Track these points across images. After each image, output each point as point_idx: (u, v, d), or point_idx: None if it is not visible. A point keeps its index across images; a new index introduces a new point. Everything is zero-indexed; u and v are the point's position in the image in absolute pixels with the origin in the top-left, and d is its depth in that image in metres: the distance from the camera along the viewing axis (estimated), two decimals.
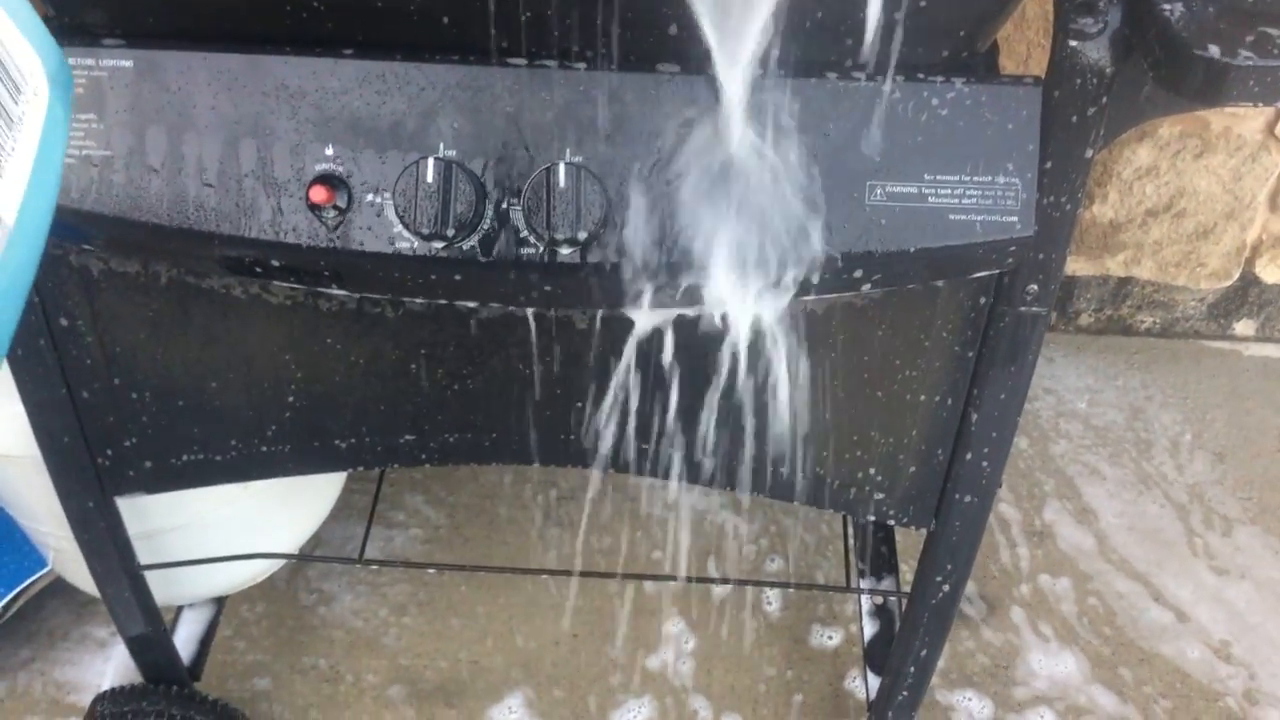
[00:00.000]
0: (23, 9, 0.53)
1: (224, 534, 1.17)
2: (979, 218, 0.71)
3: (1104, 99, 0.69)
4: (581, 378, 0.88)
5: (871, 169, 0.71)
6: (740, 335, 0.81)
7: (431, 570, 1.39)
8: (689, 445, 0.91)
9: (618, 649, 1.33)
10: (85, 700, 1.23)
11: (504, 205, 0.71)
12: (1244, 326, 1.71)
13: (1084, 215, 1.56)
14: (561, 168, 0.70)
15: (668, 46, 0.69)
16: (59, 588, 1.32)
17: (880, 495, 0.94)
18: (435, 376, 0.90)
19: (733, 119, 0.69)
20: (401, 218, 0.71)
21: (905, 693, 1.09)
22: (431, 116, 0.71)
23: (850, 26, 0.67)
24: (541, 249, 0.72)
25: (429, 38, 0.71)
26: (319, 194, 0.71)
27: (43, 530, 1.17)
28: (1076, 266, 1.63)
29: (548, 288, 0.74)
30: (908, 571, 1.32)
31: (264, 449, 0.95)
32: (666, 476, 0.93)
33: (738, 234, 0.71)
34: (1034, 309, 0.79)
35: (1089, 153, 0.71)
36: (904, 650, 1.05)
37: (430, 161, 0.70)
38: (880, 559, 1.30)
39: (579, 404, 0.90)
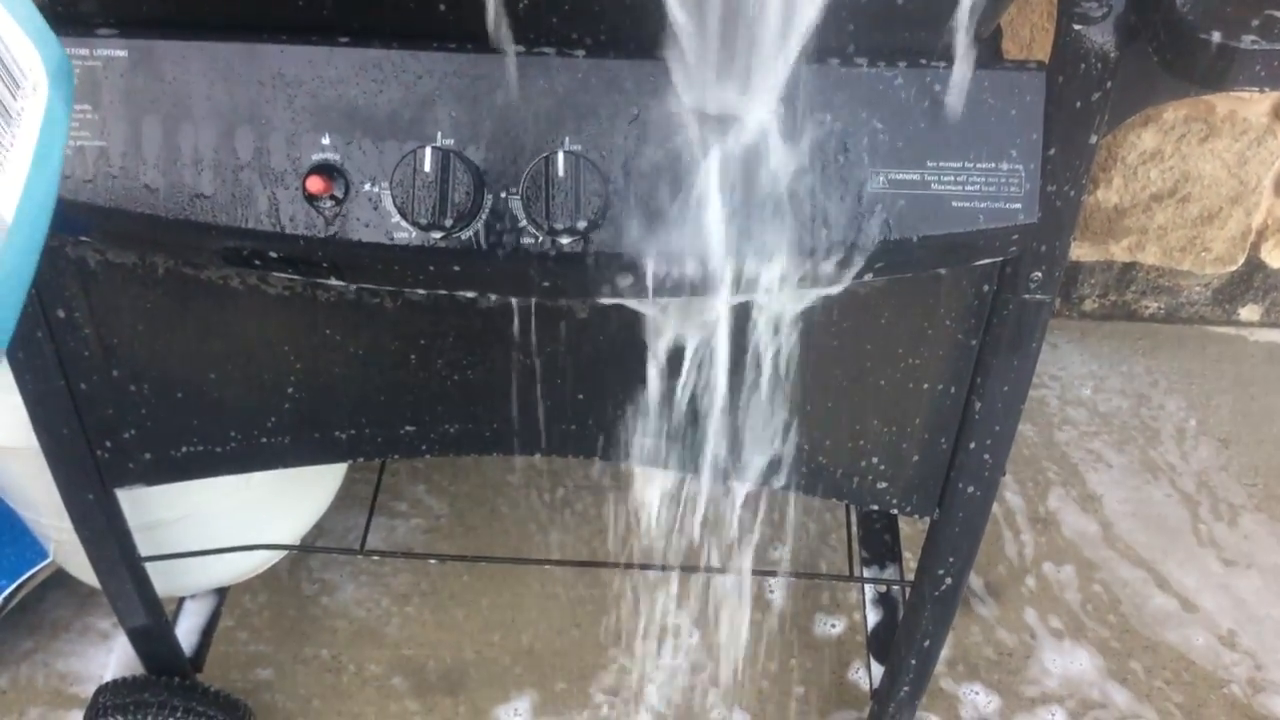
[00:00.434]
0: (22, 3, 0.52)
1: (225, 525, 1.17)
2: (982, 205, 0.71)
3: (1108, 84, 0.68)
4: (582, 367, 0.88)
5: (873, 156, 0.70)
6: (742, 325, 0.80)
7: (433, 561, 1.39)
8: (689, 435, 0.90)
9: (621, 639, 1.32)
10: (88, 691, 1.23)
11: (502, 195, 0.71)
12: (1249, 312, 1.70)
13: (1088, 200, 1.56)
14: (560, 156, 0.69)
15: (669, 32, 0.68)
16: (61, 579, 1.32)
17: (883, 484, 0.94)
18: (435, 367, 0.89)
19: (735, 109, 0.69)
20: (399, 208, 0.70)
21: (908, 682, 1.09)
22: (429, 105, 0.70)
23: (851, 12, 0.66)
24: (541, 239, 0.71)
25: (426, 25, 0.70)
26: (316, 184, 0.70)
27: (43, 522, 1.17)
28: (1080, 252, 1.62)
29: (548, 278, 0.74)
30: (911, 559, 1.31)
31: (264, 440, 0.94)
32: (667, 466, 0.93)
33: (740, 223, 0.70)
34: (1038, 296, 0.78)
35: (1093, 138, 0.70)
36: (907, 640, 1.05)
37: (428, 151, 0.69)
38: (883, 547, 1.29)
39: (580, 394, 0.89)
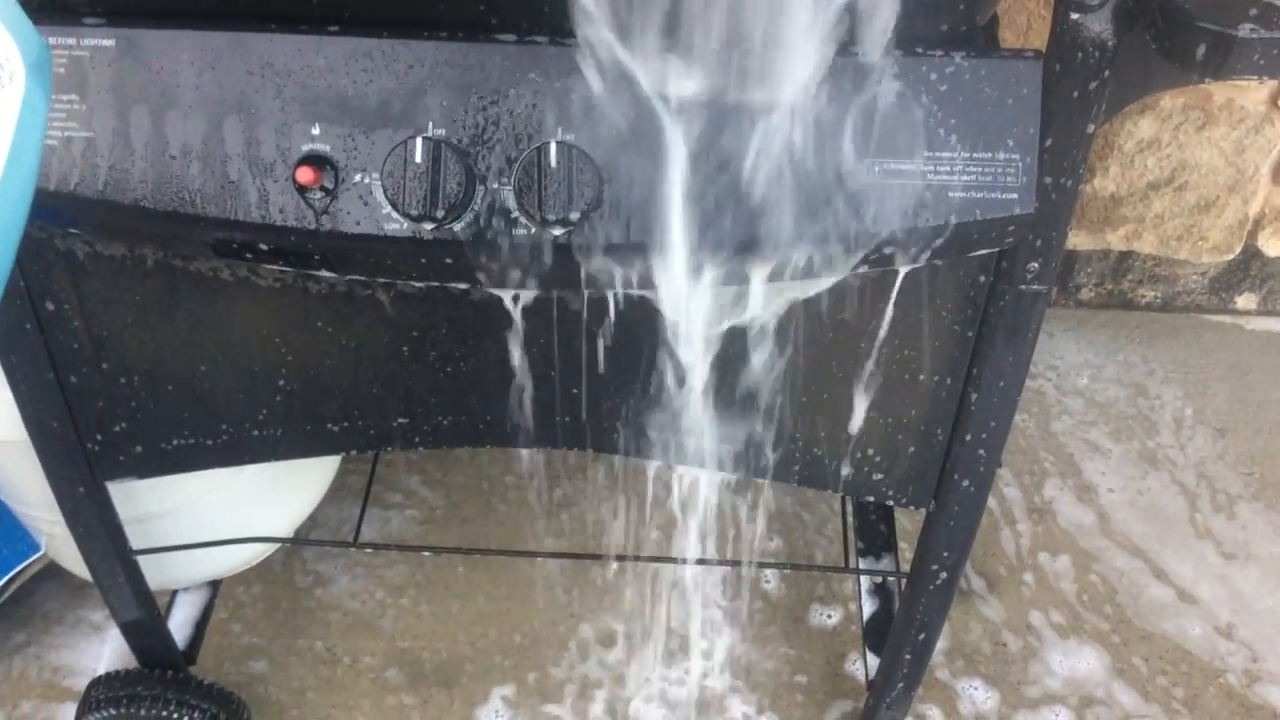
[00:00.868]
0: None
1: (218, 517, 1.16)
2: (978, 196, 0.70)
3: (1106, 73, 0.68)
4: (576, 359, 0.87)
5: (869, 146, 0.70)
6: (737, 316, 0.80)
7: (427, 553, 1.38)
8: (685, 427, 0.90)
9: (617, 630, 1.32)
10: (80, 684, 1.22)
11: (494, 185, 0.70)
12: (1246, 300, 1.70)
13: (1085, 189, 1.55)
14: (553, 146, 0.68)
15: None
16: (53, 572, 1.31)
17: (879, 476, 0.93)
18: (427, 359, 0.89)
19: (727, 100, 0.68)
20: (390, 199, 0.69)
21: (904, 674, 1.08)
22: (419, 95, 0.70)
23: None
24: (533, 229, 0.70)
25: (416, 13, 0.69)
26: (305, 175, 0.69)
27: (35, 515, 1.17)
28: (1077, 241, 1.62)
29: (540, 269, 0.73)
30: (907, 549, 1.31)
31: (255, 433, 0.94)
32: (663, 458, 0.92)
33: (734, 214, 0.70)
34: (1034, 287, 0.78)
35: (1091, 128, 0.70)
36: (903, 631, 1.05)
37: (419, 141, 0.68)
38: (879, 538, 1.29)
39: (573, 386, 0.89)
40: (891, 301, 0.82)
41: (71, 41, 0.70)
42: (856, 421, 0.90)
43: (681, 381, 0.86)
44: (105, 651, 1.30)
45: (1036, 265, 0.76)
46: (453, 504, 1.44)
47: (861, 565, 1.28)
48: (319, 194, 0.70)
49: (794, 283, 0.79)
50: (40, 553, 1.25)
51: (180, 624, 1.23)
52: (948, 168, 0.70)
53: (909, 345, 0.85)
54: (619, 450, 0.93)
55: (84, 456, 0.94)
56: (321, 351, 0.88)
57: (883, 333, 0.84)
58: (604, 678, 1.28)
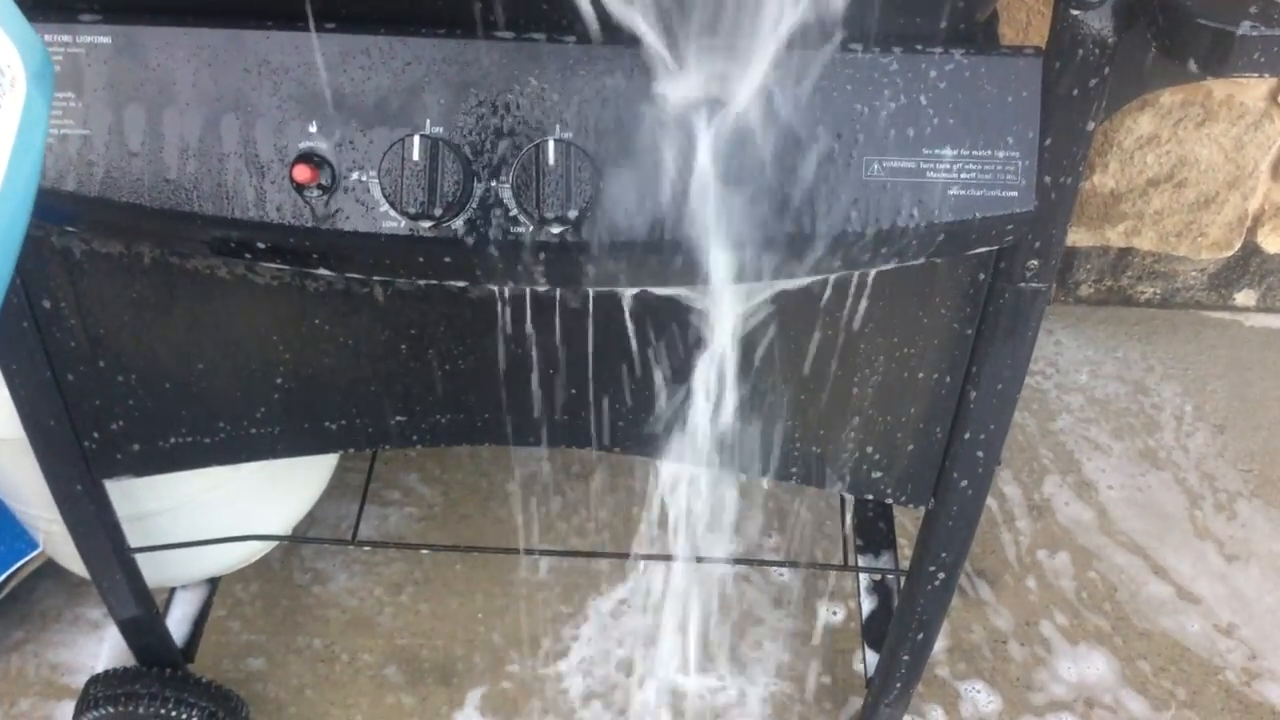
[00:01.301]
0: None
1: (216, 515, 1.16)
2: (978, 193, 0.70)
3: (1106, 70, 0.67)
4: (574, 357, 0.87)
5: (868, 143, 0.69)
6: (736, 314, 0.80)
7: (426, 551, 1.38)
8: (683, 426, 0.90)
9: (617, 629, 1.32)
10: (79, 682, 1.22)
11: (492, 183, 0.70)
12: (1245, 297, 1.70)
13: (1084, 185, 1.55)
14: (551, 144, 0.68)
15: None
16: (51, 569, 1.31)
17: (878, 474, 0.93)
18: (425, 357, 0.88)
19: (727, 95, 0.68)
20: (387, 197, 0.69)
21: (903, 671, 1.08)
22: (416, 92, 0.69)
23: None
24: (531, 228, 0.70)
25: (413, 11, 0.69)
26: (302, 173, 0.69)
27: (32, 513, 1.16)
28: (1076, 237, 1.62)
29: (538, 267, 0.73)
30: (906, 547, 1.31)
31: (253, 431, 0.93)
32: (662, 457, 0.92)
33: (732, 211, 0.69)
34: (1034, 285, 0.78)
35: (1090, 125, 0.70)
36: (902, 629, 1.05)
37: (416, 139, 0.68)
38: (878, 535, 1.29)
39: (572, 384, 0.89)
40: (890, 299, 0.82)
41: (67, 38, 0.70)
42: (855, 420, 0.90)
43: (681, 380, 0.86)
44: (103, 649, 1.29)
45: (1036, 263, 0.76)
46: (451, 502, 1.44)
47: (860, 563, 1.28)
48: (316, 192, 0.70)
49: (791, 281, 0.79)
50: (38, 550, 1.25)
51: (178, 622, 1.23)
52: (947, 165, 0.70)
53: (908, 343, 0.84)
54: (618, 448, 0.93)
55: (81, 454, 0.94)
56: (319, 349, 0.88)
57: (881, 330, 0.84)
58: (604, 675, 1.28)
